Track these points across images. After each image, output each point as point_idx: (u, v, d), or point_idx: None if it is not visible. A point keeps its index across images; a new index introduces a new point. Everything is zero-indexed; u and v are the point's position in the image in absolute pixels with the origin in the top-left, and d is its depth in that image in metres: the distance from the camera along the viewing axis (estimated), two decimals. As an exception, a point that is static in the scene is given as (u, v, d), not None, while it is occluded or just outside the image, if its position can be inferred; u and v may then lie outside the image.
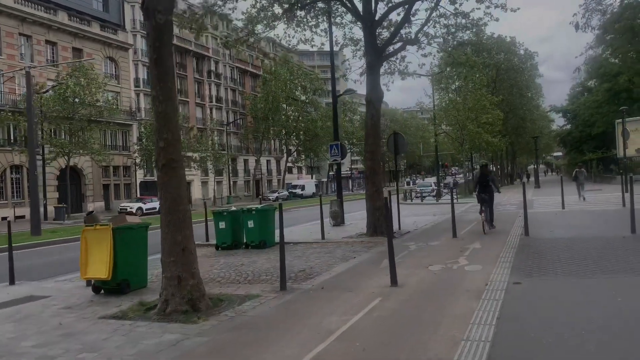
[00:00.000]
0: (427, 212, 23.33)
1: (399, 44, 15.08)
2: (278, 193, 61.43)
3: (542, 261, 7.76)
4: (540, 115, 59.95)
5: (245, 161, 66.84)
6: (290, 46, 17.54)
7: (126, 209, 38.01)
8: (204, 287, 6.31)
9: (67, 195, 33.83)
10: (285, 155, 68.14)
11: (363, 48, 14.79)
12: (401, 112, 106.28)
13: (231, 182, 61.64)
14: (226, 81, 63.91)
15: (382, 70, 16.99)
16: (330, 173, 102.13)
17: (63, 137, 33.43)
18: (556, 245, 9.28)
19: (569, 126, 64.24)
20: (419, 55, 16.47)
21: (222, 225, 12.49)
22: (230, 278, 8.33)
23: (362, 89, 16.92)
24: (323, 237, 13.02)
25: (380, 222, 13.12)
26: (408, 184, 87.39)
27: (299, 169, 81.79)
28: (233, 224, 12.49)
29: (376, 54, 13.48)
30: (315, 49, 18.06)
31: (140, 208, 38.68)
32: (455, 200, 28.84)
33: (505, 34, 50.02)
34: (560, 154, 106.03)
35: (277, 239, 12.58)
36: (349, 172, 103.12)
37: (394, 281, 6.67)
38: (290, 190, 65.44)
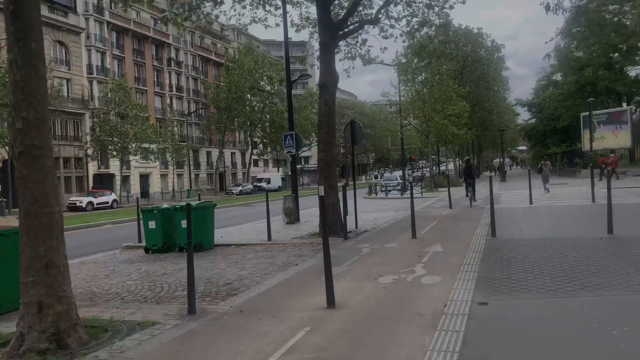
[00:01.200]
0: (391, 207, 22.20)
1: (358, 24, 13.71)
2: (242, 187, 59.60)
3: (512, 271, 6.53)
4: (506, 108, 59.88)
5: (208, 153, 64.62)
6: (241, 26, 15.90)
7: (75, 204, 35.65)
8: (76, 314, 4.77)
9: (8, 188, 31.32)
10: (250, 147, 66.22)
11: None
12: (370, 105, 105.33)
13: (193, 175, 59.40)
14: (187, 70, 61.40)
15: (341, 55, 15.63)
16: (298, 166, 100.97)
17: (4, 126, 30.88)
18: (527, 250, 8.11)
19: (534, 120, 64.67)
20: (381, 38, 15.22)
21: (151, 225, 10.91)
22: (139, 293, 6.81)
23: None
24: (269, 238, 11.58)
25: (335, 221, 11.78)
26: (376, 177, 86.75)
27: (265, 162, 79.89)
28: (164, 224, 10.92)
29: (330, 33, 12.05)
30: (268, 29, 16.57)
31: (90, 202, 36.35)
32: (420, 195, 28.08)
33: (472, 26, 49.31)
34: (524, 147, 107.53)
35: (219, 240, 11.40)
36: (318, 165, 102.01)
37: (330, 301, 5.30)
38: (255, 183, 63.66)
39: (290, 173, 79.90)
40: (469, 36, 44.75)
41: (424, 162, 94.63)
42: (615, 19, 39.85)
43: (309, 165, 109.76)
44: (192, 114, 60.76)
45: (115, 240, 13.98)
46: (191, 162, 56.65)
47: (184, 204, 11.44)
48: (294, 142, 15.19)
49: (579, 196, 19.27)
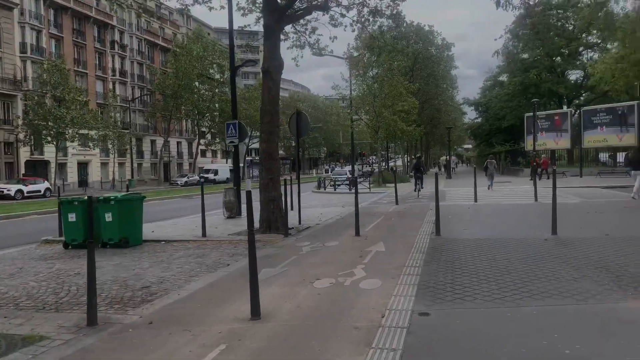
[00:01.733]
0: (339, 202, 21.79)
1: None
2: (188, 178, 57.61)
3: (456, 275, 6.11)
4: (454, 107, 60.98)
5: (153, 142, 62.19)
6: (183, 6, 14.84)
7: (2, 192, 33.07)
8: None
9: None
10: (197, 137, 64.26)
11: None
12: (323, 99, 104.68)
13: (135, 164, 56.95)
14: (132, 53, 58.68)
15: (290, 42, 14.96)
16: (247, 158, 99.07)
17: None
18: (472, 250, 7.77)
19: (480, 119, 66.44)
20: (331, 27, 14.62)
21: (71, 217, 9.86)
22: (39, 298, 5.90)
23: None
24: (204, 234, 10.77)
25: (276, 217, 11.13)
26: (327, 171, 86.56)
27: (214, 153, 77.92)
28: (86, 217, 9.87)
29: (276, 16, 11.31)
30: (220, 17, 15.58)
31: (20, 191, 33.81)
32: (368, 191, 27.88)
33: (424, 23, 49.64)
34: (470, 146, 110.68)
35: (149, 235, 10.43)
36: (260, 156, 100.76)
37: (255, 312, 4.65)
38: (202, 175, 61.83)
39: (241, 165, 78.67)
40: (420, 33, 45.00)
41: (374, 157, 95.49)
42: (559, 23, 41.23)
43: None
44: (136, 100, 58.18)
45: (36, 233, 12.73)
46: (134, 151, 54.20)
47: (112, 195, 10.44)
48: (237, 131, 14.37)
49: (522, 195, 19.54)
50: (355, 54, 31.97)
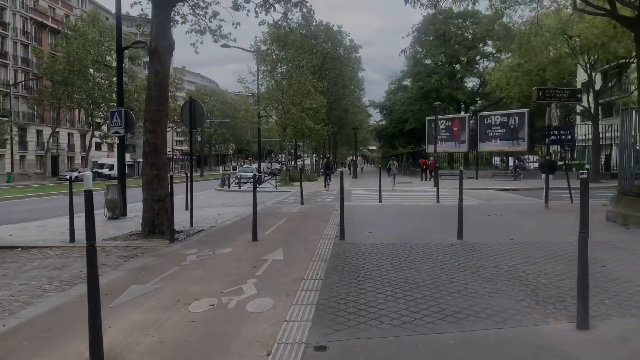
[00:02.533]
0: (242, 201, 20.56)
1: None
2: (78, 172, 52.62)
3: (360, 290, 5.31)
4: (361, 109, 61.95)
5: (39, 132, 56.32)
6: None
7: None
8: None
9: None
10: (91, 128, 59.16)
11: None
12: (232, 94, 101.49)
13: (17, 157, 51.14)
14: (15, 33, 52.58)
15: (188, 26, 13.56)
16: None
17: None
18: (377, 257, 7.08)
19: (384, 122, 68.26)
20: (232, 11, 13.42)
21: None
22: None
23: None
24: (72, 239, 9.12)
25: (162, 219, 9.76)
26: (234, 169, 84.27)
27: (110, 146, 72.45)
28: None
29: (166, -10, 9.92)
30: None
31: None
32: (274, 189, 26.90)
33: (333, 23, 49.62)
34: (375, 147, 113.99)
35: (5, 239, 8.61)
36: (172, 153, 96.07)
37: (97, 356, 3.44)
38: (95, 169, 57.11)
39: (124, 157, 74.14)
40: (329, 33, 44.87)
41: (283, 155, 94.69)
42: (459, 32, 43.17)
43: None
44: (19, 85, 52.23)
45: None
46: (15, 141, 48.52)
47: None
48: (123, 120, 12.68)
49: (425, 196, 19.67)
50: (263, 47, 30.85)
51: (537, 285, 5.33)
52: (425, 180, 33.21)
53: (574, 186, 16.55)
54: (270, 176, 32.70)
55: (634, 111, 10.35)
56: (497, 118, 32.50)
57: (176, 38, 11.03)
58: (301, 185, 17.68)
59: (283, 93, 30.88)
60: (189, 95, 15.34)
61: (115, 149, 73.66)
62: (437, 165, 35.43)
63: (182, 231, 10.31)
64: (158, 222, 9.62)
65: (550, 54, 22.88)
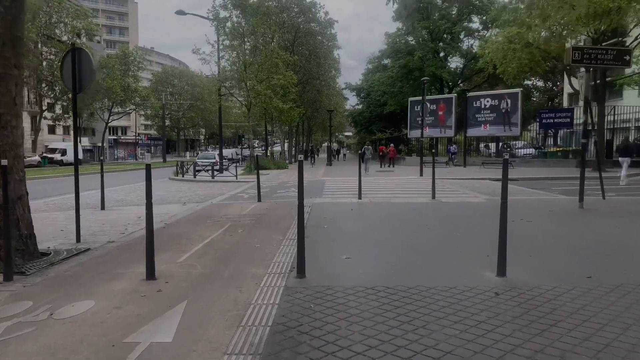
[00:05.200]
0: (189, 194, 16.82)
1: None
2: (25, 158, 47.59)
3: None
4: (336, 91, 58.02)
5: (-23, 114, 50.61)
6: None
7: None
8: None
9: None
10: (40, 110, 53.85)
11: None
12: (203, 77, 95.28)
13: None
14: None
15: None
16: (111, 137, 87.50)
17: None
18: (364, 334, 3.47)
19: (361, 106, 64.61)
20: None
21: None
22: None
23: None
24: None
25: (9, 232, 5.87)
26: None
27: (66, 129, 67.03)
28: None
29: None
30: None
31: None
32: (234, 179, 23.08)
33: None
34: (350, 133, 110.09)
35: None
36: (136, 137, 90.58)
37: None
38: (44, 154, 52.08)
39: (99, 145, 68.05)
40: (301, 5, 40.73)
41: (256, 141, 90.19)
42: (444, 4, 39.67)
43: (127, 137, 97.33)
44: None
45: None
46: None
47: None
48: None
49: (413, 189, 16.19)
50: (223, 14, 26.71)
51: None
52: (386, 167, 31.60)
53: (590, 176, 13.33)
54: (233, 163, 28.74)
55: None
56: (488, 100, 29.18)
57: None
58: (258, 177, 13.83)
59: (246, 66, 26.74)
60: (72, 43, 11.15)
61: (71, 133, 68.38)
62: (385, 152, 33.26)
63: (50, 253, 6.51)
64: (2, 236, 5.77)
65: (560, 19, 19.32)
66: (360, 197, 12.76)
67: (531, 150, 35.31)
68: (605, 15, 18.40)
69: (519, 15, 21.59)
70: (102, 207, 11.74)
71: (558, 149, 29.47)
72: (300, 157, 5.58)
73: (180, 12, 28.59)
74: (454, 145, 34.14)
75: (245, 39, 27.86)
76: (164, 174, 29.94)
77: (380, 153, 35.00)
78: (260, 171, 29.85)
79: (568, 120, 27.22)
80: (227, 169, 28.21)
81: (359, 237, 7.53)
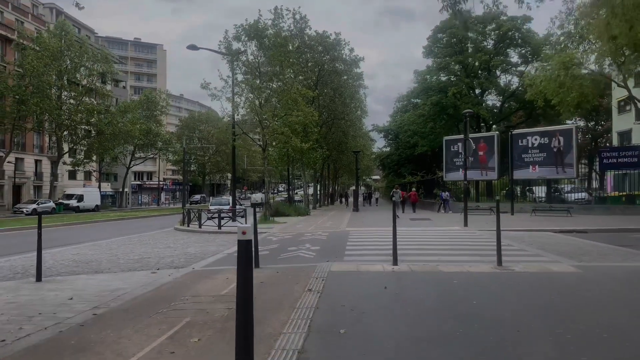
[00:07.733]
0: (181, 252, 13.45)
1: None
2: (38, 204, 45.21)
3: None
4: (363, 131, 54.95)
5: (-2, 158, 49.41)
6: None
7: None
8: None
9: None
10: (58, 154, 52.41)
11: None
12: (227, 121, 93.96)
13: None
14: (-29, 47, 46.43)
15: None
16: (132, 182, 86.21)
17: None
18: None
19: (389, 148, 61.37)
20: None
21: None
22: None
23: None
24: None
25: None
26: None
27: (87, 175, 65.64)
28: None
29: None
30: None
31: None
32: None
33: (329, 31, 42.89)
34: (378, 177, 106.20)
35: None
36: (159, 182, 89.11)
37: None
38: (61, 200, 50.05)
39: (121, 189, 66.14)
40: (325, 43, 38.25)
41: (283, 185, 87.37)
42: (479, 38, 36.71)
43: (151, 182, 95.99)
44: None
45: None
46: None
47: None
48: None
49: (464, 247, 12.44)
50: (236, 45, 24.22)
51: None
52: (403, 213, 28.44)
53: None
54: (258, 208, 25.43)
55: None
56: (536, 138, 25.51)
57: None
58: (255, 235, 10.16)
59: (262, 103, 23.89)
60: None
61: (93, 178, 66.87)
62: (406, 197, 30.04)
63: None
64: None
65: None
66: (396, 262, 9.15)
67: (584, 195, 30.99)
68: None
69: (578, 31, 18.31)
70: (39, 277, 8.50)
71: (622, 194, 25.30)
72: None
73: (192, 47, 26.45)
74: (446, 192, 30.50)
75: (261, 71, 25.19)
76: (174, 222, 27.04)
77: (401, 198, 31.74)
78: (278, 218, 26.76)
79: (636, 159, 23.21)
80: (243, 217, 25.11)
81: (403, 357, 3.96)
